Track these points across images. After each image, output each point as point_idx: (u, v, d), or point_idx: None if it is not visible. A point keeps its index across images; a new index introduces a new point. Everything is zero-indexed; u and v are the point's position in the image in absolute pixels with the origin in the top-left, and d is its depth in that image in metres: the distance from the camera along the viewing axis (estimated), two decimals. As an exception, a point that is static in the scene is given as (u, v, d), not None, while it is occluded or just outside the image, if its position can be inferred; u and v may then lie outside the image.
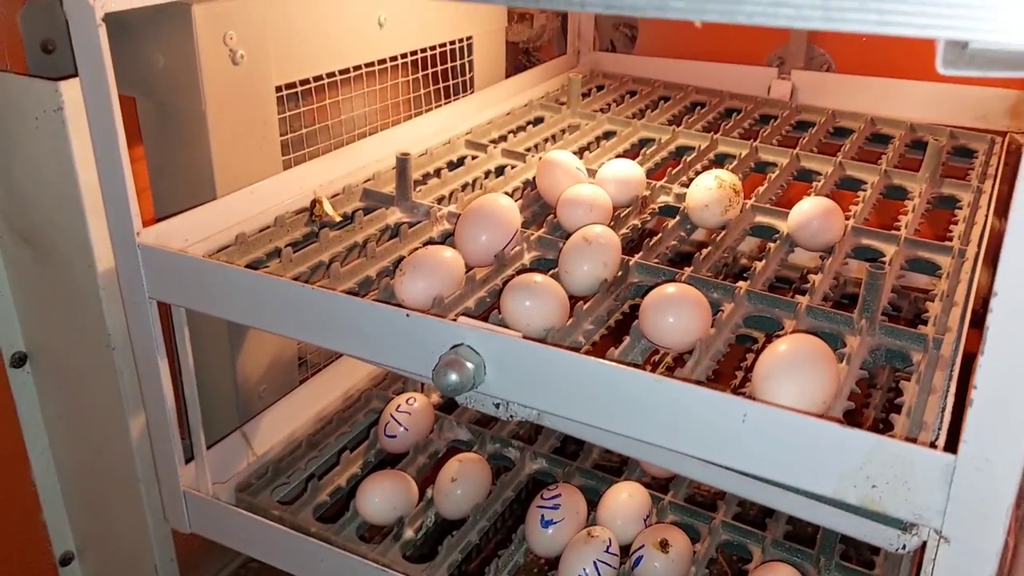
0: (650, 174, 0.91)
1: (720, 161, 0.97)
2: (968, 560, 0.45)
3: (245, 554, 0.83)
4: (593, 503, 0.79)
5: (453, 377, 0.55)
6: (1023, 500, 0.51)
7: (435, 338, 0.57)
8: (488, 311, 0.67)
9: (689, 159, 0.94)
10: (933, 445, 0.48)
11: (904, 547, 0.50)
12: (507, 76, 1.18)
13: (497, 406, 0.60)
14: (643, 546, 0.72)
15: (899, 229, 0.81)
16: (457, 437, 0.89)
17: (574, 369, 0.54)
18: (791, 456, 0.49)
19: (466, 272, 0.69)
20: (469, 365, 0.56)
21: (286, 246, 0.72)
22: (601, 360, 0.54)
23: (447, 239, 0.76)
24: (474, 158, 0.93)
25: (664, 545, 0.71)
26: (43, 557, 0.87)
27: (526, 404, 0.58)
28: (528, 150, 0.96)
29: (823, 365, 0.56)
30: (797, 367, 0.56)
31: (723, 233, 0.80)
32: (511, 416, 0.60)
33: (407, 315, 0.58)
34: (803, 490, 0.51)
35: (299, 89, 0.85)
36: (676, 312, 0.63)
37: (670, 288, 0.65)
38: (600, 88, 1.20)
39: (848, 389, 0.59)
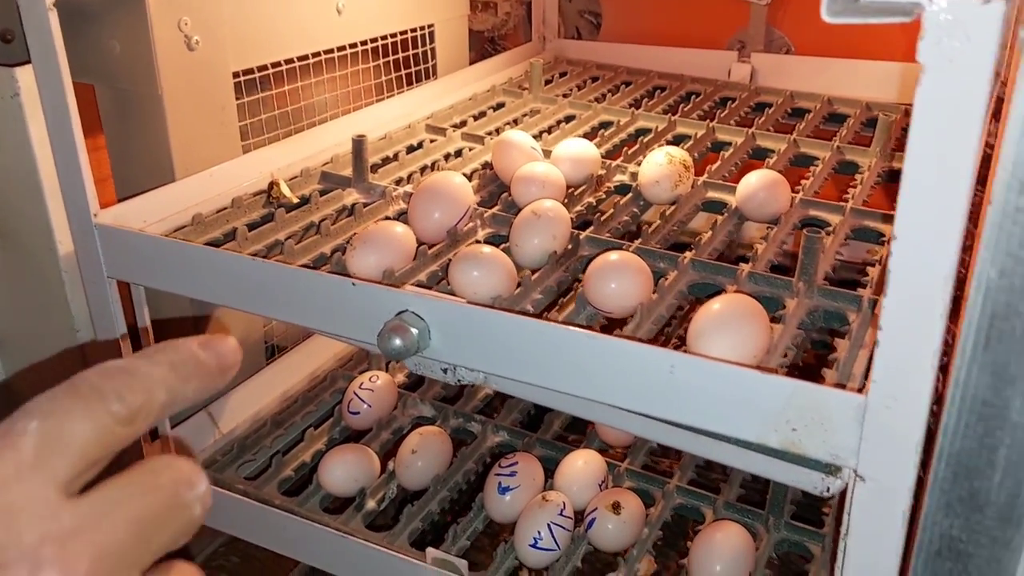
0: (609, 155, 0.93)
1: (678, 142, 0.99)
2: (882, 497, 0.47)
3: (212, 531, 0.84)
4: (551, 472, 0.81)
5: (397, 342, 0.57)
6: None
7: (380, 305, 0.59)
8: (439, 284, 0.69)
9: (646, 140, 0.96)
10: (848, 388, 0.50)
11: (828, 490, 0.52)
12: (472, 65, 1.20)
13: (445, 371, 0.62)
14: (596, 509, 0.74)
15: (847, 201, 0.83)
16: (421, 414, 0.91)
17: (513, 330, 0.56)
18: (716, 404, 0.51)
19: (418, 247, 0.71)
20: (413, 330, 0.58)
21: (243, 226, 0.74)
22: (537, 320, 0.56)
23: (401, 217, 0.77)
24: (432, 141, 0.94)
25: (616, 507, 0.73)
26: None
27: (472, 367, 0.60)
28: (489, 134, 0.98)
29: (754, 322, 0.58)
30: (728, 324, 0.58)
31: (673, 208, 0.82)
32: (459, 380, 0.62)
33: (353, 284, 0.60)
34: (731, 437, 0.53)
35: (257, 76, 0.87)
36: (618, 278, 0.65)
37: (613, 255, 0.67)
38: (563, 75, 1.22)
39: (783, 347, 0.61)
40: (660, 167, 0.82)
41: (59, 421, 0.26)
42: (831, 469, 0.52)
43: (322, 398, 0.93)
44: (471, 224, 0.76)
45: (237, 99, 0.85)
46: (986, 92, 0.37)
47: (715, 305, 0.59)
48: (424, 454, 0.81)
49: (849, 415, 0.47)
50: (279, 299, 0.63)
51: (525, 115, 1.06)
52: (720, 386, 0.50)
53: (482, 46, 1.34)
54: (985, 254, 0.35)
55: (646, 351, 0.52)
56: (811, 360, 0.76)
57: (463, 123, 1.02)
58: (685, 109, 1.08)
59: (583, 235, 0.75)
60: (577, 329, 0.55)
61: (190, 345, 0.30)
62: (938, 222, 0.40)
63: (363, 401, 0.87)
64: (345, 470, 0.78)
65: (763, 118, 1.05)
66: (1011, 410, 0.37)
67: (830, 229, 0.79)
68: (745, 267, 0.70)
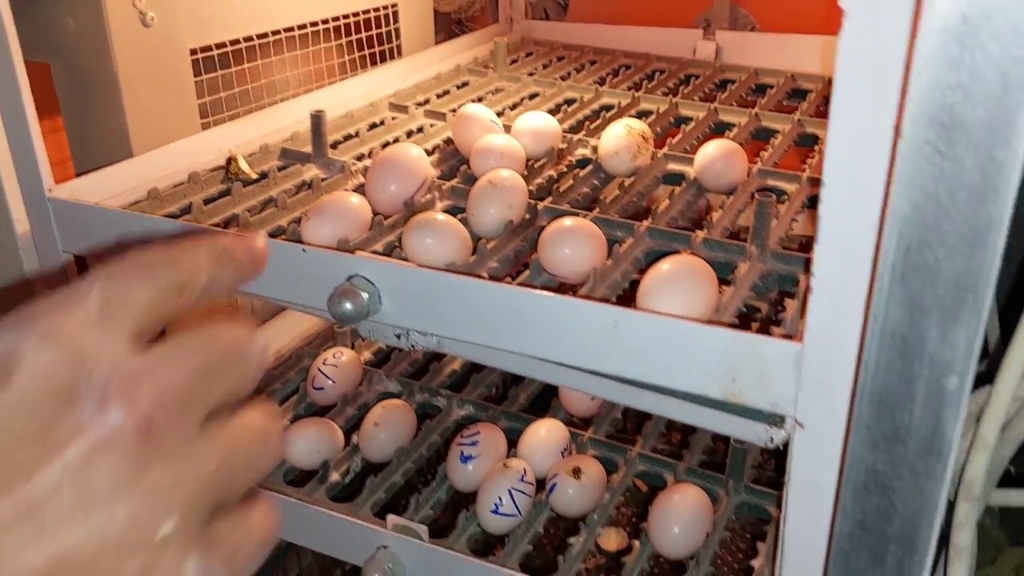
0: (572, 131, 0.93)
1: (640, 117, 0.99)
2: (818, 443, 0.48)
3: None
4: (514, 443, 0.82)
5: (347, 306, 0.58)
6: None
7: (330, 270, 0.59)
8: (394, 253, 0.69)
9: (609, 115, 0.97)
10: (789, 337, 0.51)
11: (772, 440, 0.53)
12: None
13: (398, 336, 0.62)
14: (557, 474, 0.74)
15: (804, 171, 0.84)
16: (387, 390, 0.92)
17: (461, 291, 0.57)
18: (658, 357, 0.51)
19: (374, 218, 0.71)
20: (363, 294, 0.58)
21: (199, 200, 0.74)
22: (483, 280, 0.56)
23: (359, 191, 0.78)
24: (395, 119, 0.95)
25: (577, 472, 0.74)
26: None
27: (424, 331, 0.60)
28: (452, 111, 0.98)
29: (701, 281, 0.59)
30: (676, 283, 0.58)
31: (633, 179, 0.82)
32: (412, 346, 0.62)
33: (303, 250, 0.61)
34: (677, 391, 0.54)
35: (216, 53, 0.87)
36: (572, 243, 0.66)
37: (567, 221, 0.67)
38: (529, 55, 1.22)
39: (733, 308, 0.62)
40: (619, 138, 0.83)
41: (121, 284, 0.30)
42: (774, 420, 0.53)
43: (288, 376, 0.93)
44: (428, 196, 0.77)
45: (196, 77, 0.85)
46: (906, 34, 0.38)
47: (664, 266, 0.60)
48: (387, 426, 0.81)
49: (787, 364, 0.48)
50: (232, 268, 0.63)
51: (489, 93, 1.07)
52: (661, 339, 0.51)
53: (449, 28, 1.35)
54: (898, 188, 0.36)
55: (590, 307, 0.53)
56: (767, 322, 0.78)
57: (426, 101, 1.02)
58: (649, 86, 1.08)
59: (541, 205, 0.75)
60: (524, 288, 0.55)
61: (226, 239, 0.34)
62: (862, 168, 0.40)
63: (327, 377, 0.87)
64: (308, 443, 0.79)
65: (726, 94, 1.06)
66: (927, 342, 0.38)
67: (785, 197, 0.79)
68: (700, 233, 0.71)
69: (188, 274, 0.32)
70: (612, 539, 0.80)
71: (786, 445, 0.52)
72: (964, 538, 0.50)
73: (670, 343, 0.51)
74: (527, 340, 0.56)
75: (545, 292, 0.55)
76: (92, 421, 0.27)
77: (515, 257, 0.72)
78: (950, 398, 0.38)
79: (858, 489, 0.42)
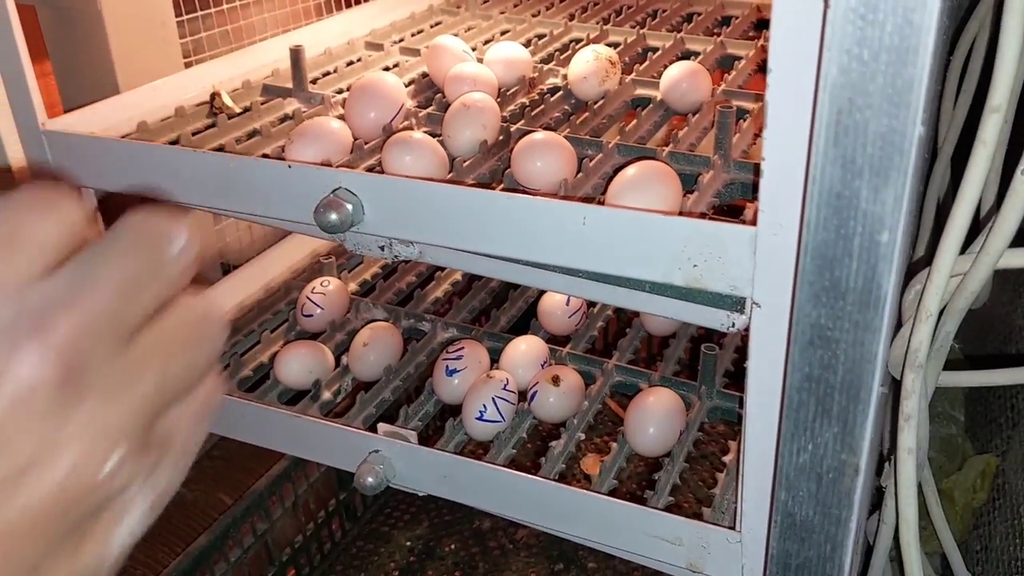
0: (543, 63, 0.96)
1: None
2: (771, 320, 0.51)
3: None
4: (497, 360, 0.85)
5: (332, 216, 0.61)
6: None
7: (315, 185, 0.63)
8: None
9: (578, 47, 1.00)
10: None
11: (733, 325, 0.57)
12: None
13: (382, 248, 0.66)
14: (537, 383, 0.79)
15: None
16: (373, 317, 0.95)
17: (440, 198, 0.60)
18: (624, 249, 0.55)
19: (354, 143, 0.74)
20: (347, 205, 0.62)
21: (187, 132, 0.77)
22: (462, 186, 0.60)
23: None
24: (370, 56, 0.97)
25: (556, 380, 0.78)
26: None
27: (406, 239, 0.64)
28: (427, 47, 1.01)
29: (666, 183, 0.63)
30: (641, 185, 0.62)
31: (602, 102, 0.85)
32: (395, 256, 0.66)
33: (288, 166, 0.64)
34: (644, 282, 0.58)
35: (195, -7, 0.90)
36: (543, 156, 0.69)
37: (538, 135, 0.71)
38: (502, -5, 1.25)
39: (698, 212, 0.66)
40: (587, 64, 0.86)
41: (23, 213, 0.26)
42: (734, 304, 0.57)
43: (277, 307, 0.96)
44: (406, 123, 0.80)
45: (177, 16, 0.87)
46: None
47: (630, 171, 0.64)
48: (376, 347, 0.85)
49: (743, 246, 0.52)
50: (221, 189, 0.67)
51: (462, 31, 1.09)
52: (627, 231, 0.55)
53: (422, -28, 1.36)
54: (827, 54, 0.40)
55: (560, 205, 0.57)
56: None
57: (401, 40, 1.05)
58: (617, 20, 1.11)
59: (514, 127, 0.79)
60: (498, 192, 0.59)
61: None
62: (799, 39, 0.43)
63: (316, 304, 0.91)
64: (300, 363, 0.82)
65: (692, 25, 1.09)
66: (860, 199, 0.42)
67: (748, 116, 0.83)
68: (666, 148, 0.75)
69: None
70: (592, 464, 0.84)
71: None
72: (911, 406, 0.54)
73: (635, 234, 0.55)
74: (503, 242, 0.59)
75: (518, 195, 0.58)
76: (3, 371, 0.23)
77: (490, 176, 0.75)
78: (884, 251, 0.42)
79: (804, 344, 0.47)
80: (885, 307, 0.44)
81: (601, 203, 0.63)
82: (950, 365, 0.63)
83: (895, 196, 0.41)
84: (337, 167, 0.71)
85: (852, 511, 0.50)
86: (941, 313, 0.56)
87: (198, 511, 1.04)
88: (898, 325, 0.57)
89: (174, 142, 0.77)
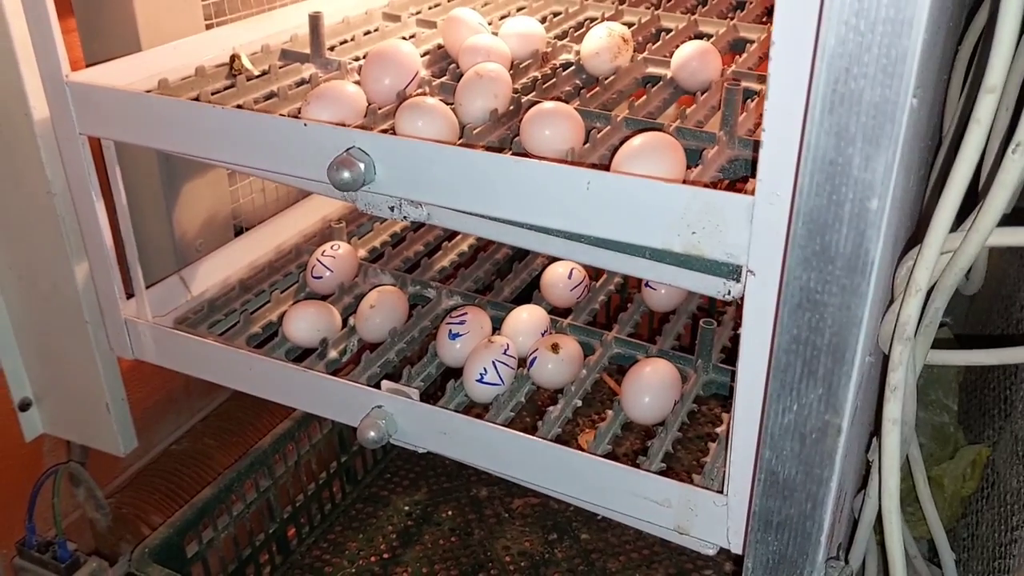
0: (557, 39, 0.98)
1: (623, 27, 1.04)
2: (765, 288, 0.53)
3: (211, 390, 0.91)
4: (499, 329, 0.87)
5: (345, 174, 0.63)
6: None
7: (330, 143, 0.64)
8: (388, 138, 0.74)
9: (592, 24, 1.01)
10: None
11: (729, 292, 0.58)
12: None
13: (392, 208, 0.68)
14: (537, 349, 0.81)
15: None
16: (381, 282, 0.97)
17: (449, 159, 0.62)
18: (626, 214, 0.57)
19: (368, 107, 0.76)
20: (360, 164, 0.64)
21: (206, 91, 0.79)
22: (471, 149, 0.62)
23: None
24: (388, 27, 0.99)
25: (555, 347, 0.80)
26: (3, 403, 0.95)
27: (415, 200, 0.66)
28: (444, 19, 1.02)
29: (670, 153, 0.64)
30: (646, 154, 0.64)
31: (613, 77, 0.87)
32: (404, 217, 0.68)
33: (304, 124, 0.66)
34: (644, 249, 0.59)
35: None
36: (551, 125, 0.71)
37: (547, 104, 0.72)
38: (519, -28, 1.26)
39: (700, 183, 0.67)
40: (600, 40, 0.87)
41: None
42: (731, 272, 0.59)
43: (288, 268, 0.99)
44: (420, 91, 0.82)
45: (199, -21, 0.89)
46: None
47: (636, 140, 0.66)
48: (382, 309, 0.87)
49: (741, 215, 0.53)
50: (240, 145, 0.69)
51: (479, 5, 1.11)
52: (629, 197, 0.57)
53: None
54: (825, 25, 0.41)
55: (565, 169, 0.59)
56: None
57: (418, 12, 1.06)
58: (633, 0, 1.13)
59: (525, 99, 0.80)
60: (506, 156, 0.61)
61: None
62: (799, 21, 0.45)
63: (325, 267, 0.93)
64: (308, 322, 0.84)
65: (706, 7, 1.10)
66: (852, 167, 0.43)
67: (756, 96, 0.84)
68: (674, 123, 0.76)
69: None
70: (582, 439, 0.86)
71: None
72: (897, 377, 0.56)
73: (637, 200, 0.56)
74: (509, 205, 0.61)
75: (525, 158, 0.60)
76: None
77: (499, 143, 0.77)
78: (872, 218, 0.44)
79: (793, 306, 0.48)
80: (872, 272, 0.45)
81: (606, 170, 0.65)
82: (941, 346, 0.65)
83: (886, 164, 0.43)
84: (351, 128, 0.73)
85: (834, 470, 0.51)
86: (931, 291, 0.58)
87: (205, 465, 1.07)
88: (890, 303, 0.58)
89: (194, 99, 0.79)
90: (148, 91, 0.78)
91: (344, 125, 0.71)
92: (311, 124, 0.65)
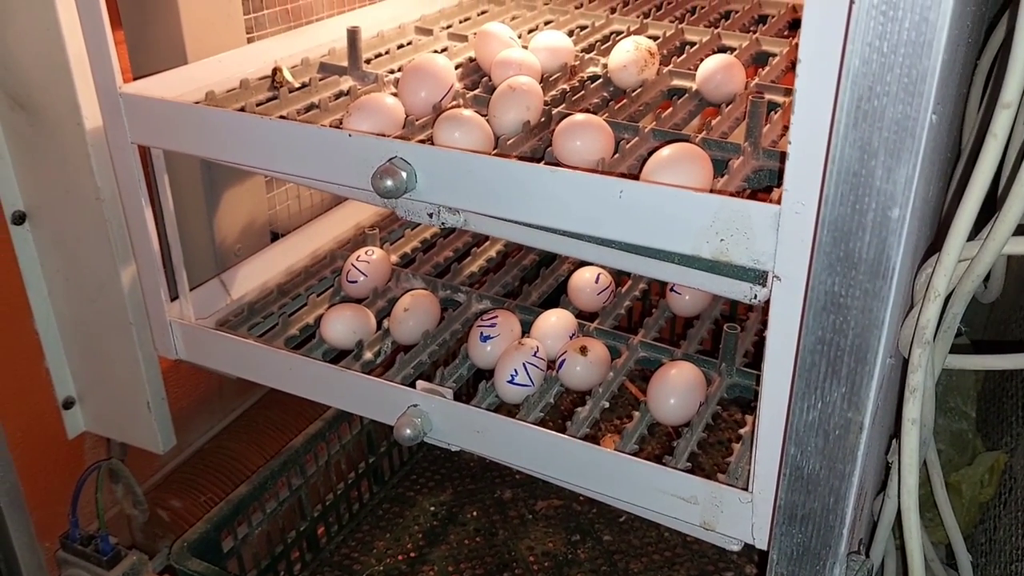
0: (584, 52, 1.01)
1: (648, 41, 1.07)
2: (791, 293, 0.56)
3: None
4: (528, 332, 0.90)
5: (388, 183, 0.66)
6: None
7: (373, 153, 0.68)
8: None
9: (619, 38, 1.04)
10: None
11: (756, 297, 0.61)
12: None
13: (430, 215, 0.71)
14: (566, 352, 0.83)
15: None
16: (413, 287, 1.01)
17: (487, 168, 0.65)
18: (657, 221, 0.60)
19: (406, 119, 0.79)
20: (402, 173, 0.67)
21: (251, 103, 0.83)
22: (507, 159, 0.65)
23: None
24: (421, 40, 1.03)
25: (583, 350, 0.83)
26: (47, 401, 0.98)
27: (453, 207, 0.69)
28: (475, 34, 1.06)
29: (698, 165, 0.67)
30: (674, 165, 0.67)
31: (640, 90, 0.90)
32: (442, 224, 0.71)
33: (349, 135, 0.69)
34: (673, 255, 0.62)
35: (258, -28, 0.95)
36: (582, 136, 0.74)
37: (578, 116, 0.75)
38: (546, -13, 1.29)
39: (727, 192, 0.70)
40: (627, 53, 0.90)
41: None
42: (757, 278, 0.61)
43: (323, 273, 1.02)
44: (455, 103, 0.85)
45: (241, -6, 0.93)
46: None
47: (665, 151, 0.68)
48: (415, 312, 0.90)
49: (768, 223, 0.56)
50: (286, 155, 0.72)
51: (508, 19, 1.14)
52: (660, 204, 0.60)
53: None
54: (850, 47, 0.44)
55: (600, 179, 0.61)
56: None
57: (449, 26, 1.10)
58: (657, 15, 1.16)
59: (556, 111, 0.83)
60: (541, 165, 0.64)
61: None
62: (825, 33, 0.48)
63: (360, 272, 0.96)
64: (344, 324, 0.88)
65: (729, 21, 1.13)
66: (875, 179, 0.46)
67: (779, 108, 0.87)
68: (701, 134, 0.79)
69: None
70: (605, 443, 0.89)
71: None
72: (916, 379, 0.59)
73: (668, 208, 0.59)
74: (544, 212, 0.64)
75: (559, 168, 0.63)
76: None
77: (532, 153, 0.80)
78: (894, 227, 0.47)
79: (818, 309, 0.51)
80: (893, 277, 0.48)
81: (636, 179, 0.68)
82: (959, 352, 0.67)
83: (906, 176, 0.45)
84: (390, 138, 0.76)
85: (855, 465, 0.54)
86: (950, 297, 0.61)
87: (240, 463, 1.10)
88: (910, 308, 0.61)
89: (241, 111, 0.82)
90: (196, 103, 0.82)
91: (385, 136, 0.75)
92: (355, 135, 0.69)
